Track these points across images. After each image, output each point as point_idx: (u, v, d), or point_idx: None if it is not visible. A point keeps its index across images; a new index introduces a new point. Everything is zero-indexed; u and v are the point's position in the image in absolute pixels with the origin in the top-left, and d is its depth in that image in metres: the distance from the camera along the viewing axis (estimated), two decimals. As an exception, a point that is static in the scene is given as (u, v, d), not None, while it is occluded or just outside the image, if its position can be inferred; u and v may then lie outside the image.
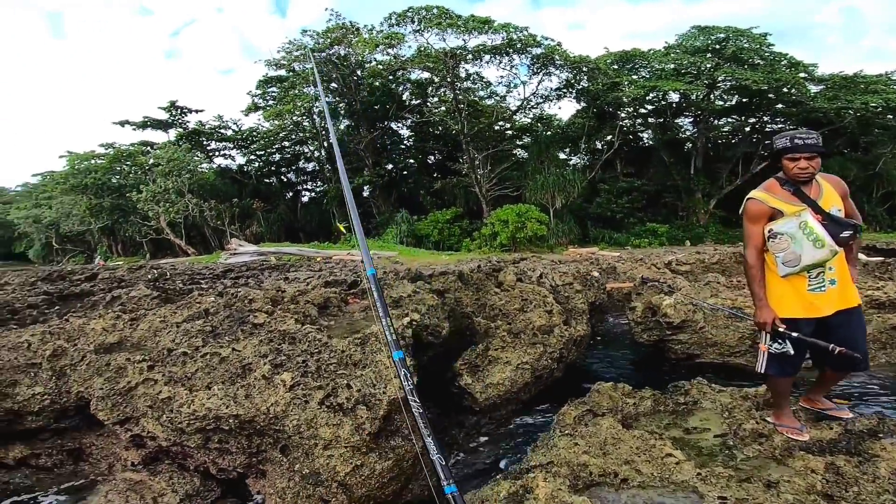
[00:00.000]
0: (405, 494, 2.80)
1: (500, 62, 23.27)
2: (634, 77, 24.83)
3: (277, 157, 33.18)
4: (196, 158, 28.90)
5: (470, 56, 22.51)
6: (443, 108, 27.93)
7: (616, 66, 24.98)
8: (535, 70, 23.70)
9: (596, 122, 26.57)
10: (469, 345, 4.18)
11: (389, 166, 30.49)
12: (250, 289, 4.13)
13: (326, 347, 3.03)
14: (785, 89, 22.76)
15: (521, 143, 30.22)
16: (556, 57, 22.20)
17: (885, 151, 24.89)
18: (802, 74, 23.29)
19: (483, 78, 25.87)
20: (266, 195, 31.32)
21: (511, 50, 22.07)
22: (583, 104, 26.97)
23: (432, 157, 33.05)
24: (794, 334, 2.48)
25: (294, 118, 26.90)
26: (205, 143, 31.65)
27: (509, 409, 3.95)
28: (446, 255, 19.56)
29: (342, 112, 28.53)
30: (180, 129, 30.89)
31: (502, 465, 3.32)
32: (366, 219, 28.60)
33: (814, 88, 23.60)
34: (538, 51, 22.11)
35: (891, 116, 22.68)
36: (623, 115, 27.25)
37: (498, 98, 26.97)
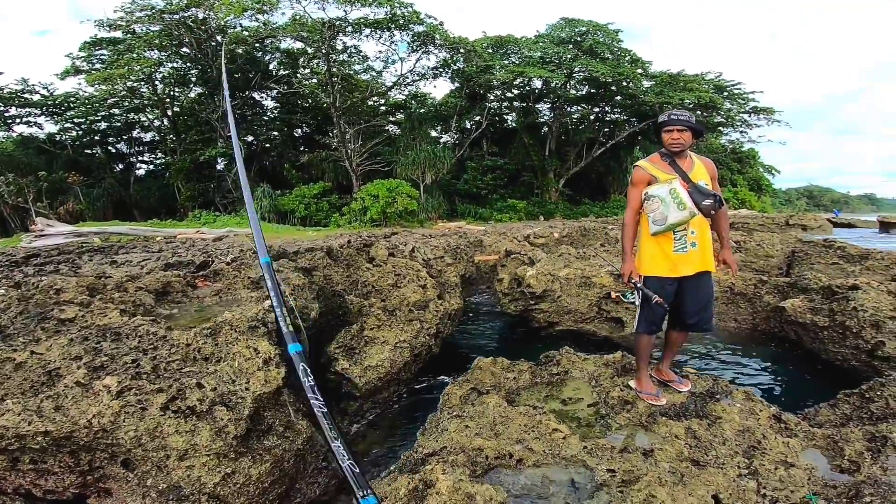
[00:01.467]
0: (294, 496, 2.51)
1: (381, 37, 22.54)
2: (506, 62, 25.96)
3: (104, 125, 28.73)
4: (-13, 127, 23.53)
5: (350, 28, 21.42)
6: (314, 81, 26.44)
7: (491, 51, 25.85)
8: (415, 48, 23.43)
9: (467, 103, 27.39)
10: (343, 325, 3.87)
11: (250, 138, 28.12)
12: (60, 276, 3.27)
13: (165, 342, 2.50)
14: (625, 83, 25.67)
15: (394, 119, 29.86)
16: (437, 36, 22.13)
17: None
18: (640, 71, 26.43)
19: (361, 52, 24.93)
20: (86, 168, 26.79)
21: (393, 25, 21.47)
22: (457, 84, 27.55)
23: (300, 130, 31.18)
24: (639, 285, 2.85)
25: (129, 83, 23.32)
26: (1, 108, 26.23)
27: (391, 390, 3.76)
28: (313, 231, 18.61)
29: (194, 80, 25.54)
30: (-35, 95, 25.16)
31: (393, 451, 3.13)
32: (220, 194, 26.01)
33: (646, 84, 26.99)
34: (420, 28, 21.84)
35: (699, 112, 26.85)
36: (492, 97, 28.49)
37: (374, 73, 26.26)
